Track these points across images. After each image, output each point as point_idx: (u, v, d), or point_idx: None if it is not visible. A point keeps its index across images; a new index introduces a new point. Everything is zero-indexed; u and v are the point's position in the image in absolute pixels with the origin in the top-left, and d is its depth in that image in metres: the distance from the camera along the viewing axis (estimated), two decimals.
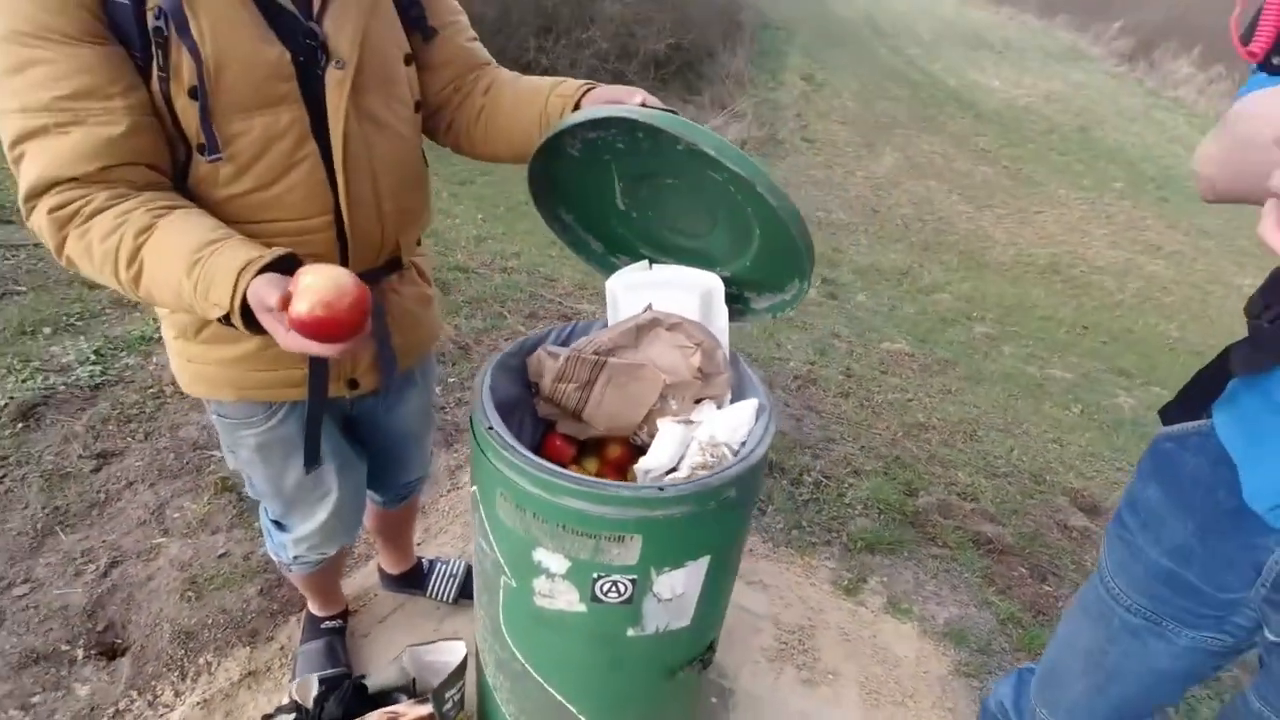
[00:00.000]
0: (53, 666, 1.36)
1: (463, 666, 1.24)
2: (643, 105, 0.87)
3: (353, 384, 1.03)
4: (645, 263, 1.12)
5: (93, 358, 2.14)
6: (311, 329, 0.68)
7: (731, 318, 1.11)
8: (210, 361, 0.95)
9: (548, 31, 12.65)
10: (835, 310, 5.94)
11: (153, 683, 1.36)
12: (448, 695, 1.20)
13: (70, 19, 0.69)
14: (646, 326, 1.03)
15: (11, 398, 1.91)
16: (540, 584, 0.94)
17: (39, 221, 0.74)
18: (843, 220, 10.01)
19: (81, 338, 2.25)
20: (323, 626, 1.45)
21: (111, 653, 1.41)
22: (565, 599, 0.93)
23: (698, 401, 1.04)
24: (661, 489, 0.85)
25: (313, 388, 0.96)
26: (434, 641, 1.26)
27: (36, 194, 0.73)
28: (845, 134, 13.57)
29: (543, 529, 0.88)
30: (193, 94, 0.75)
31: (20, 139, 0.71)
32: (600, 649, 0.99)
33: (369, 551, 1.71)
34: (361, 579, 1.64)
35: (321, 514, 1.14)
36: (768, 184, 0.83)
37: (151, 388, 2.07)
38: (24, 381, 1.99)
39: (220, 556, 1.60)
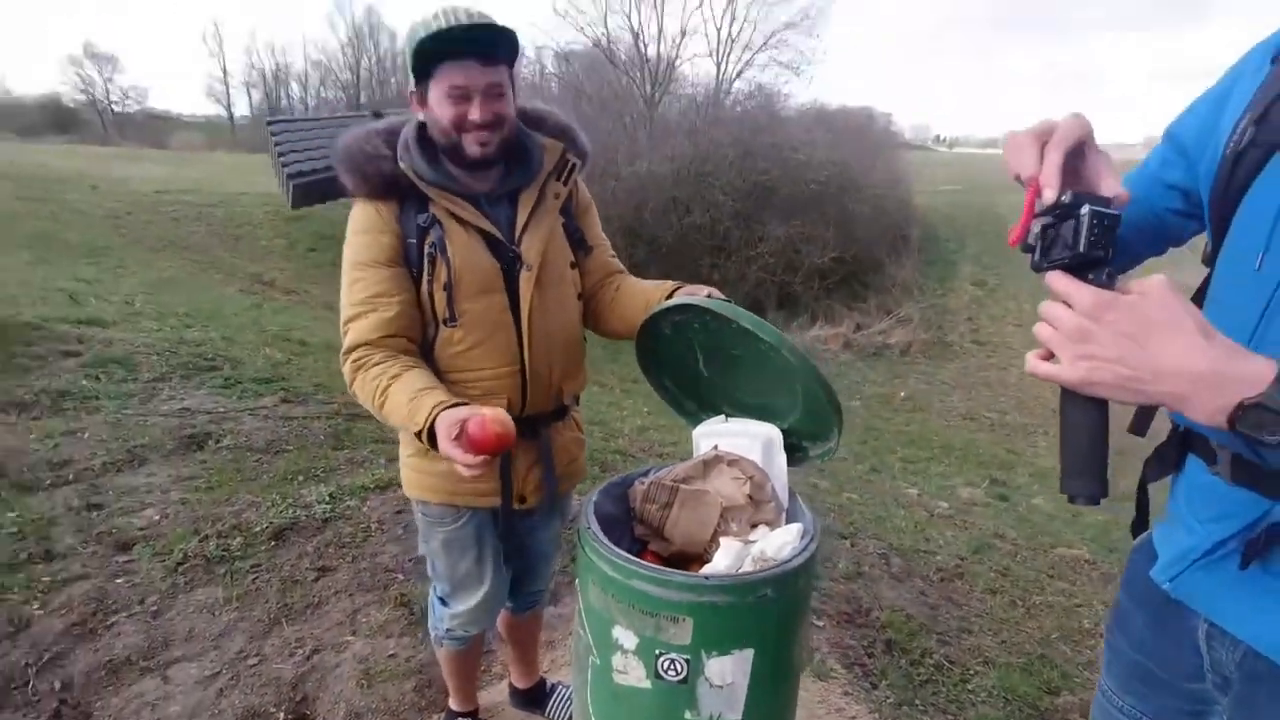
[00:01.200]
0: None
1: None
2: (708, 297, 1.25)
3: (521, 499, 1.42)
4: (723, 416, 1.44)
5: (327, 499, 2.77)
6: (481, 439, 1.08)
7: (793, 462, 1.37)
8: (428, 471, 1.39)
9: (720, 250, 14.17)
10: (1004, 511, 5.59)
11: None
12: None
13: (382, 256, 1.25)
14: (712, 462, 1.32)
15: (271, 522, 2.54)
16: (617, 660, 1.17)
17: (346, 367, 1.26)
18: (1018, 422, 9.52)
19: (322, 484, 2.91)
20: None
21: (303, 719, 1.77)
22: (635, 674, 1.15)
23: (754, 526, 1.28)
24: (707, 578, 1.09)
25: (504, 499, 1.39)
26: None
27: (348, 351, 1.26)
28: (1021, 337, 13.19)
29: (619, 608, 1.14)
30: (445, 288, 1.26)
31: (348, 320, 1.26)
32: None
33: (504, 672, 1.97)
34: (494, 694, 1.90)
35: (475, 598, 1.49)
36: (789, 347, 1.15)
37: (363, 524, 2.61)
38: (280, 512, 2.63)
39: (389, 656, 1.96)
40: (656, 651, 1.12)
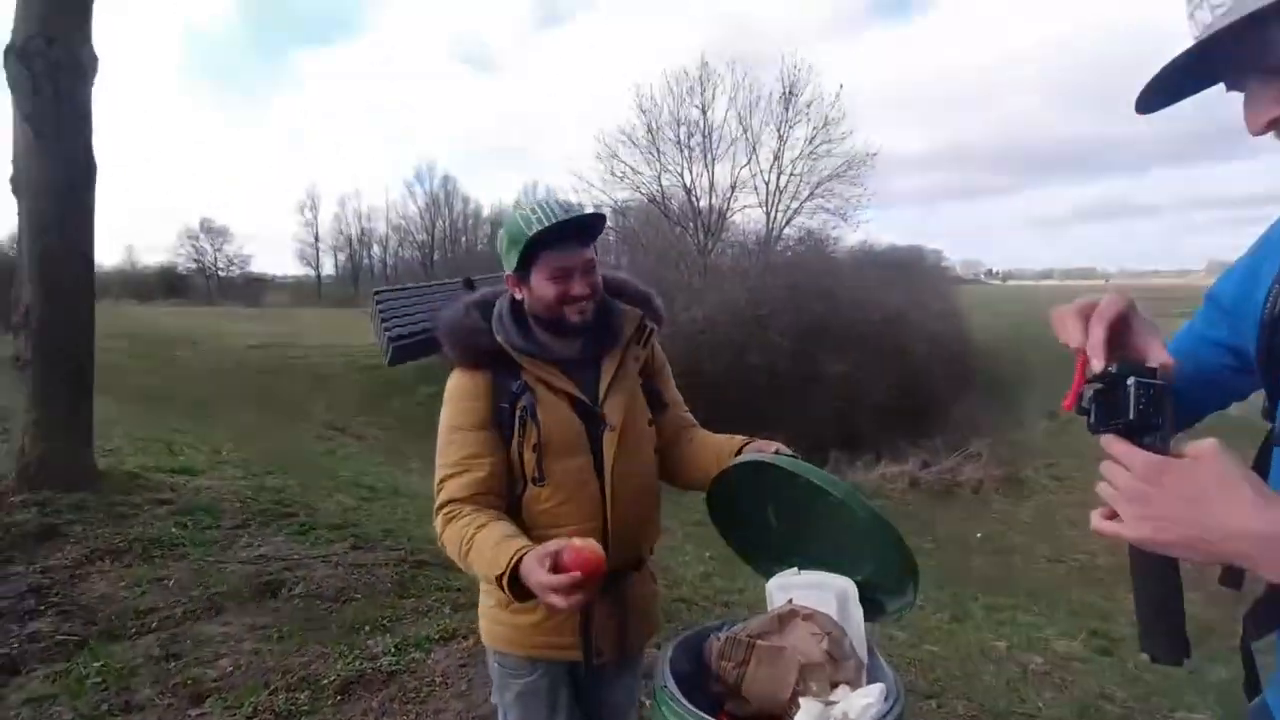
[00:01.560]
0: None
1: None
2: (776, 453, 1.30)
3: (599, 653, 1.43)
4: (796, 568, 1.43)
5: (393, 650, 2.76)
6: (577, 564, 1.11)
7: (869, 617, 1.34)
8: (507, 624, 1.43)
9: (779, 390, 14.22)
10: (1109, 668, 5.05)
11: None
12: None
13: (476, 421, 1.37)
14: (787, 616, 1.30)
15: (339, 675, 2.54)
16: None
17: (438, 521, 1.34)
18: (1111, 565, 8.76)
19: (388, 635, 2.91)
20: None
21: None
22: None
23: (834, 685, 1.24)
24: None
25: (585, 651, 1.40)
26: None
27: (440, 507, 1.34)
28: None
29: None
30: (535, 449, 1.35)
31: (443, 479, 1.36)
32: None
33: None
34: None
35: None
36: (859, 502, 1.17)
37: (428, 679, 2.58)
38: (348, 664, 2.63)
39: None
40: None
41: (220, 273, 49.88)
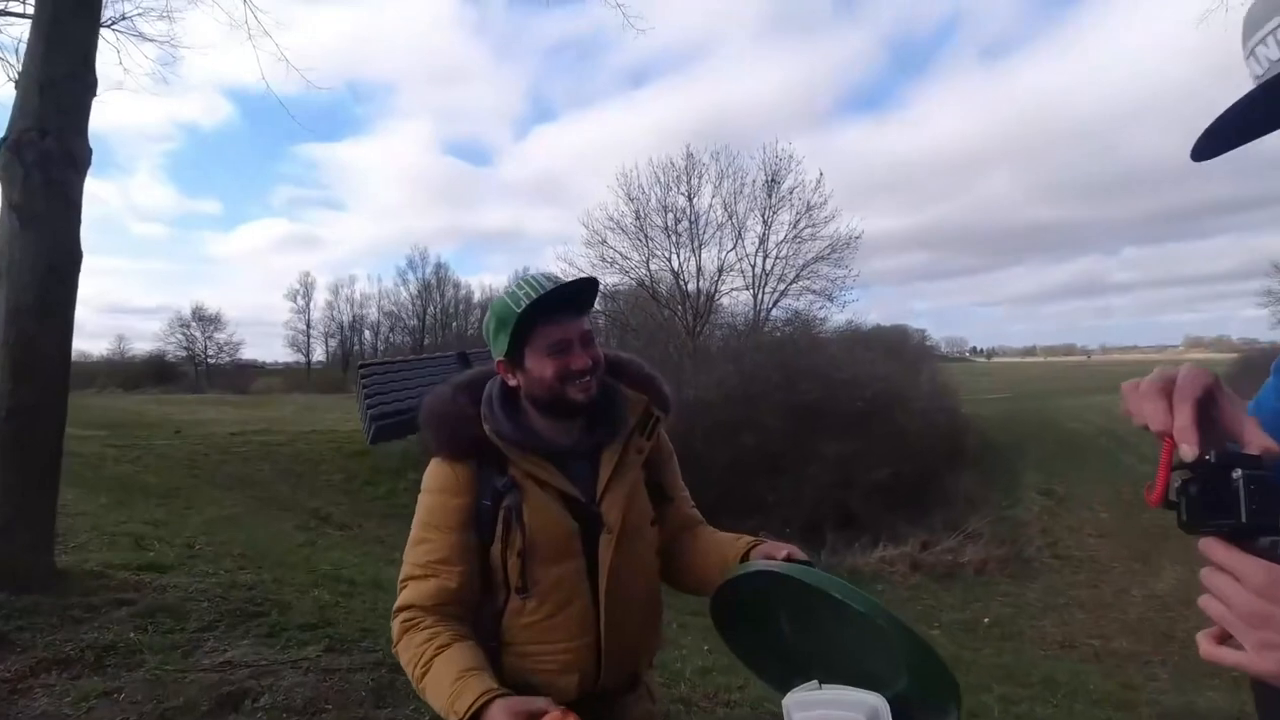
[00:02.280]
0: None
1: None
2: (788, 557, 1.16)
3: None
4: (815, 683, 1.26)
5: None
6: None
7: None
8: None
9: (774, 471, 13.99)
10: None
11: None
12: None
13: (452, 521, 1.22)
14: None
15: None
16: None
17: (395, 624, 1.18)
18: (1127, 649, 8.39)
19: None
20: None
21: None
22: None
23: None
24: None
25: None
26: None
27: (399, 610, 1.19)
28: (1108, 549, 12.17)
29: None
30: (519, 554, 1.20)
31: (406, 579, 1.21)
32: None
33: None
34: None
35: None
36: (886, 615, 1.03)
37: None
38: None
39: None
40: None
41: (210, 359, 49.81)
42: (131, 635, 3.73)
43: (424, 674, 1.11)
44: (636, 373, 1.40)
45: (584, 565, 1.24)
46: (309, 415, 20.67)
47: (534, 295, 1.19)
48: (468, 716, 1.01)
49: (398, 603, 1.21)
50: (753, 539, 1.30)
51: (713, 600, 1.25)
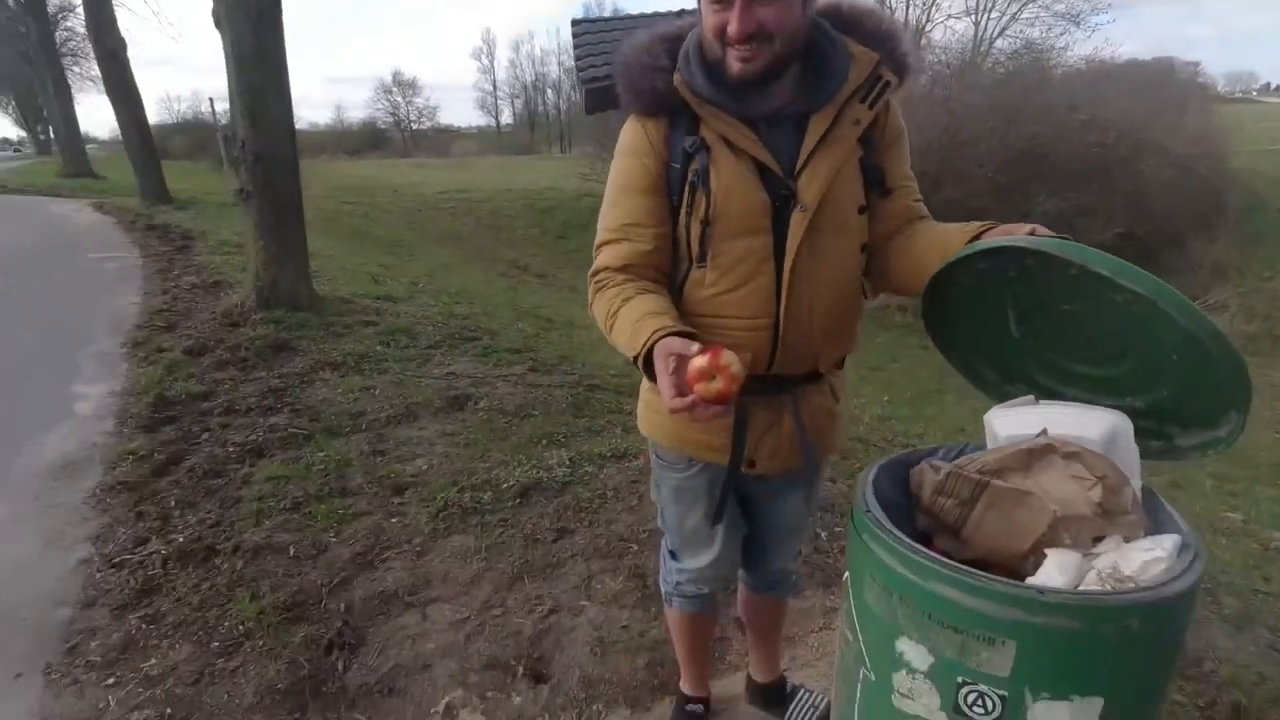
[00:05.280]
0: (503, 674, 1.77)
1: None
2: (1032, 235, 0.94)
3: (750, 464, 1.23)
4: (1031, 398, 1.11)
5: (567, 463, 2.83)
6: (692, 382, 0.91)
7: (1152, 455, 1.01)
8: (663, 413, 1.24)
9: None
10: None
11: (560, 714, 1.66)
12: None
13: (643, 184, 1.14)
14: (1039, 452, 1.00)
15: (517, 481, 2.65)
16: (900, 680, 0.93)
17: (590, 289, 1.17)
18: None
19: (563, 449, 3.00)
20: (687, 709, 1.60)
21: (538, 678, 1.77)
22: (925, 702, 0.91)
23: (1097, 540, 0.95)
24: (1042, 592, 0.81)
25: (733, 460, 1.21)
26: None
27: (594, 274, 1.17)
28: None
29: (909, 616, 0.90)
30: (701, 223, 1.11)
31: (600, 243, 1.18)
32: None
33: (739, 663, 1.81)
34: (729, 685, 1.75)
35: (705, 559, 1.36)
36: (1173, 298, 0.81)
37: (600, 491, 2.62)
38: (526, 472, 2.74)
39: (622, 627, 1.90)
40: (959, 679, 0.87)
41: (413, 125, 52.94)
42: (378, 348, 4.42)
43: (612, 324, 1.11)
44: (874, 28, 1.14)
45: (771, 244, 1.11)
46: (503, 175, 21.70)
47: None
48: (642, 354, 1.01)
49: (592, 268, 1.19)
50: (984, 223, 1.08)
51: (927, 290, 1.08)
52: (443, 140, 50.39)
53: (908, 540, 0.91)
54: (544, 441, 3.09)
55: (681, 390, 0.92)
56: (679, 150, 1.12)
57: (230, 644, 1.87)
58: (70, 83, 20.24)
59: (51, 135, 27.91)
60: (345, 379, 3.87)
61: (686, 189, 1.11)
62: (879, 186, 1.17)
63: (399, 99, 52.41)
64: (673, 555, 1.44)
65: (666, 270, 1.18)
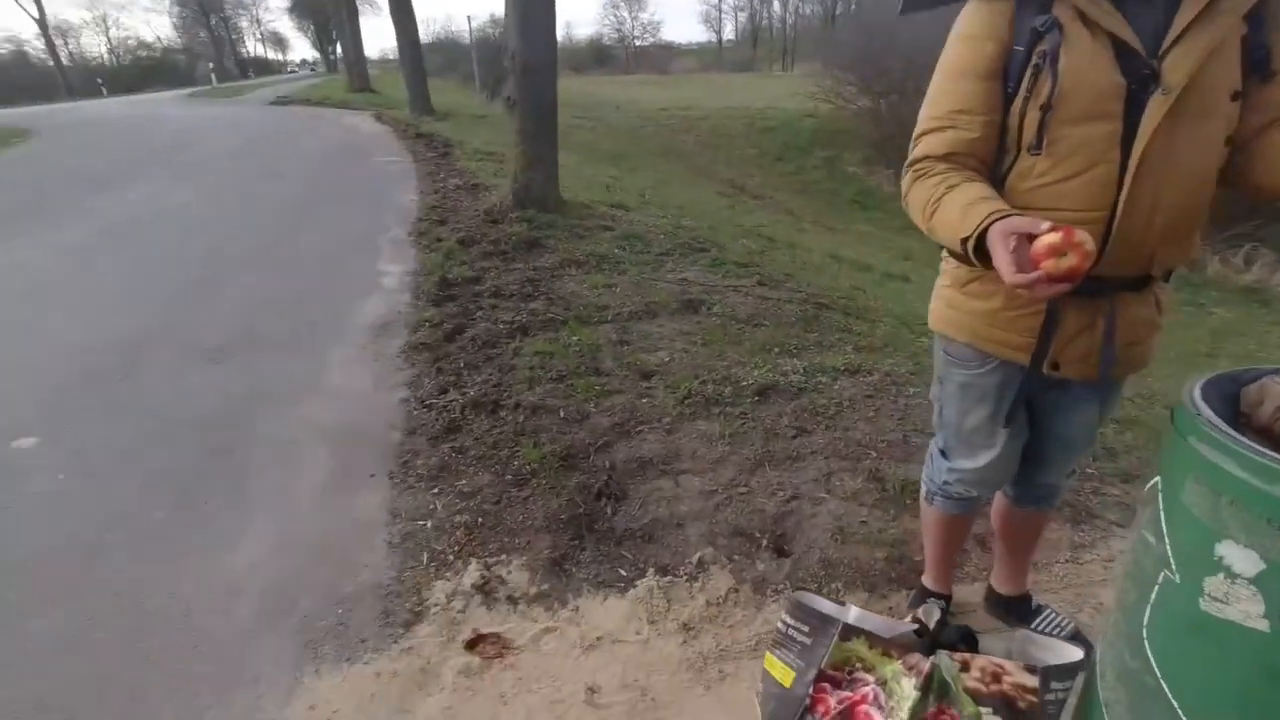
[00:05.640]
0: (749, 543, 1.95)
1: (1076, 668, 1.25)
2: None
3: (1055, 366, 1.21)
4: None
5: (801, 371, 2.92)
6: (1044, 255, 0.91)
7: None
8: (961, 309, 1.27)
9: None
10: None
11: (799, 586, 1.81)
12: (1055, 685, 1.23)
13: (982, 69, 1.11)
14: None
15: (755, 380, 2.80)
16: (1213, 584, 0.92)
17: (907, 178, 1.19)
18: None
19: (796, 358, 3.08)
20: (930, 600, 1.65)
21: (780, 552, 1.93)
22: (1244, 608, 0.90)
23: None
24: None
25: (1035, 359, 1.20)
26: (1051, 636, 1.31)
27: (913, 162, 1.18)
28: None
29: (1239, 520, 0.88)
30: (1043, 108, 1.06)
31: (922, 132, 1.17)
32: (1274, 687, 0.90)
33: (976, 574, 1.83)
34: (965, 593, 1.78)
35: (981, 459, 1.36)
36: None
37: (835, 400, 2.68)
38: (762, 374, 2.87)
39: (861, 523, 1.99)
40: None
41: (636, 41, 53.35)
42: (616, 250, 4.75)
43: (934, 211, 1.11)
44: None
45: (1120, 130, 1.02)
46: (723, 93, 21.35)
47: None
48: (974, 237, 1.01)
49: (910, 157, 1.19)
50: None
51: None
52: (663, 57, 50.33)
53: (1251, 444, 0.88)
54: (776, 350, 3.19)
55: (1023, 268, 0.94)
56: (1025, 31, 1.06)
57: (520, 479, 2.25)
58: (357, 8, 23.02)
59: (339, 55, 32.17)
60: (589, 276, 4.24)
61: (1029, 72, 1.07)
62: (1262, 69, 1.04)
63: (625, 14, 52.87)
64: (944, 454, 1.46)
65: (990, 162, 1.15)
